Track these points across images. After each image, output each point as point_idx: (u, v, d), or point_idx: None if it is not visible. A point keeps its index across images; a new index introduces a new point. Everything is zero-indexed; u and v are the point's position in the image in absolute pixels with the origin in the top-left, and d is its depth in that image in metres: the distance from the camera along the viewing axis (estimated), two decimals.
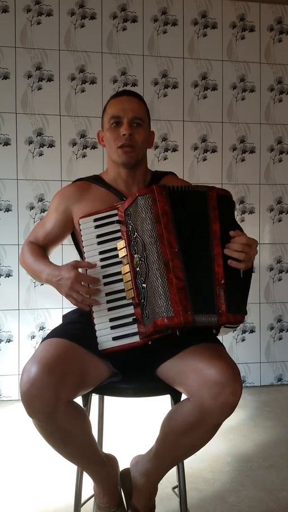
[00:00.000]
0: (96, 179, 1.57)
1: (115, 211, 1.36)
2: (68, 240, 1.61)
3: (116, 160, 1.51)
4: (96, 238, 1.36)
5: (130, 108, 1.47)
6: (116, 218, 1.35)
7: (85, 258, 1.36)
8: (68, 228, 1.56)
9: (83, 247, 1.37)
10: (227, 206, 1.33)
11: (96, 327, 1.30)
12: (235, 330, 3.08)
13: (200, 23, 3.11)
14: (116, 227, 1.35)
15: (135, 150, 1.48)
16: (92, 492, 1.53)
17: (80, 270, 1.33)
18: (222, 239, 1.26)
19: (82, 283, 1.29)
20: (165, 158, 3.08)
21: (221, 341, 1.40)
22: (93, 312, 1.31)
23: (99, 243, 1.36)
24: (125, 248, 1.31)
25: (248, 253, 1.24)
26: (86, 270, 1.34)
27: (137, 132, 1.47)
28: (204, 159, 3.12)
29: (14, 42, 2.90)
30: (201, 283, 1.22)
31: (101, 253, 1.35)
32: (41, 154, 2.94)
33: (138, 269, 1.26)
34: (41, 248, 1.54)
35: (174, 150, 3.09)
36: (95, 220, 1.38)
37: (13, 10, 2.90)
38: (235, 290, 1.24)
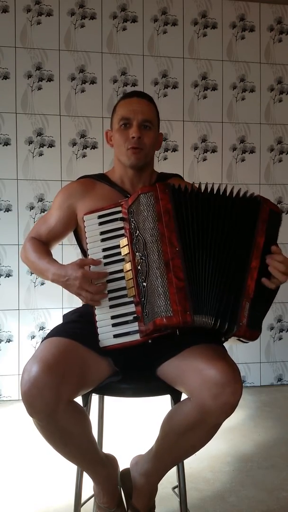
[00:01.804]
0: (102, 177, 1.57)
1: (119, 208, 1.36)
2: (68, 240, 1.61)
3: (124, 161, 1.50)
4: (100, 235, 1.36)
5: (140, 111, 1.46)
6: (120, 215, 1.35)
7: (88, 255, 1.36)
8: (71, 225, 1.56)
9: (87, 244, 1.37)
10: (276, 223, 1.32)
11: (98, 324, 1.30)
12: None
13: (200, 23, 3.11)
14: (119, 224, 1.35)
15: (144, 152, 1.47)
16: (92, 492, 1.53)
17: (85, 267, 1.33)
18: (263, 254, 1.25)
19: (90, 280, 1.29)
20: (165, 158, 3.08)
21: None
22: (95, 309, 1.32)
23: (103, 240, 1.35)
24: (127, 246, 1.31)
25: (287, 275, 1.24)
26: (90, 266, 1.34)
27: (146, 134, 1.47)
28: (204, 159, 3.12)
29: (14, 42, 2.90)
30: (229, 292, 1.21)
31: (104, 250, 1.34)
32: (41, 154, 2.94)
33: (139, 267, 1.26)
34: (43, 244, 1.54)
35: (174, 150, 3.09)
36: (99, 217, 1.38)
37: (13, 10, 2.90)
38: (258, 306, 1.23)
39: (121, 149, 1.49)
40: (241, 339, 1.24)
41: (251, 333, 1.21)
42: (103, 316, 1.30)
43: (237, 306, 1.20)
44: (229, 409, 1.18)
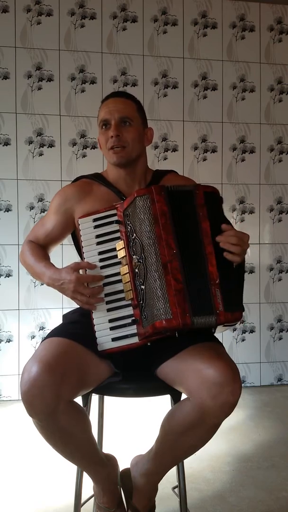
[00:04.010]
0: (98, 177, 1.57)
1: (114, 211, 1.36)
2: (68, 240, 1.61)
3: (110, 161, 1.52)
4: (96, 238, 1.36)
5: (116, 109, 1.48)
6: (115, 218, 1.35)
7: (84, 258, 1.36)
8: (68, 228, 1.55)
9: (83, 247, 1.37)
10: (215, 203, 1.31)
11: (96, 328, 1.30)
12: (235, 329, 3.10)
13: (200, 23, 3.11)
14: (115, 227, 1.35)
15: (126, 149, 1.48)
16: (92, 492, 1.53)
17: (80, 270, 1.33)
18: (213, 238, 1.25)
19: (85, 284, 1.30)
20: (165, 158, 3.08)
21: (220, 341, 1.40)
22: (92, 312, 1.32)
23: (98, 243, 1.36)
24: (124, 249, 1.31)
25: (242, 247, 1.24)
26: (86, 270, 1.34)
27: (125, 131, 1.47)
28: (204, 159, 3.12)
29: (14, 42, 2.90)
30: (198, 284, 1.22)
31: (100, 253, 1.35)
32: (41, 154, 2.94)
33: (137, 270, 1.26)
34: (41, 247, 1.54)
35: (174, 150, 3.09)
36: (94, 220, 1.38)
37: (13, 10, 2.90)
38: (230, 288, 1.24)
39: (105, 150, 1.51)
40: (226, 324, 1.25)
41: (233, 315, 1.21)
42: (100, 320, 1.30)
43: (209, 296, 1.21)
44: (228, 409, 1.18)
